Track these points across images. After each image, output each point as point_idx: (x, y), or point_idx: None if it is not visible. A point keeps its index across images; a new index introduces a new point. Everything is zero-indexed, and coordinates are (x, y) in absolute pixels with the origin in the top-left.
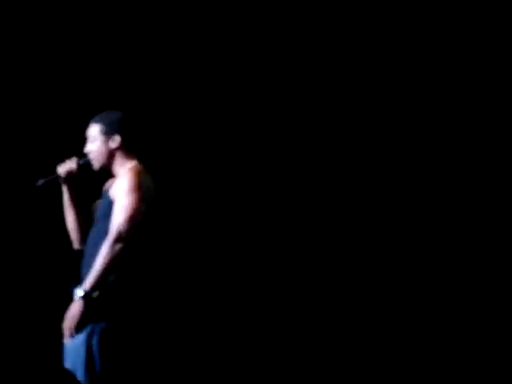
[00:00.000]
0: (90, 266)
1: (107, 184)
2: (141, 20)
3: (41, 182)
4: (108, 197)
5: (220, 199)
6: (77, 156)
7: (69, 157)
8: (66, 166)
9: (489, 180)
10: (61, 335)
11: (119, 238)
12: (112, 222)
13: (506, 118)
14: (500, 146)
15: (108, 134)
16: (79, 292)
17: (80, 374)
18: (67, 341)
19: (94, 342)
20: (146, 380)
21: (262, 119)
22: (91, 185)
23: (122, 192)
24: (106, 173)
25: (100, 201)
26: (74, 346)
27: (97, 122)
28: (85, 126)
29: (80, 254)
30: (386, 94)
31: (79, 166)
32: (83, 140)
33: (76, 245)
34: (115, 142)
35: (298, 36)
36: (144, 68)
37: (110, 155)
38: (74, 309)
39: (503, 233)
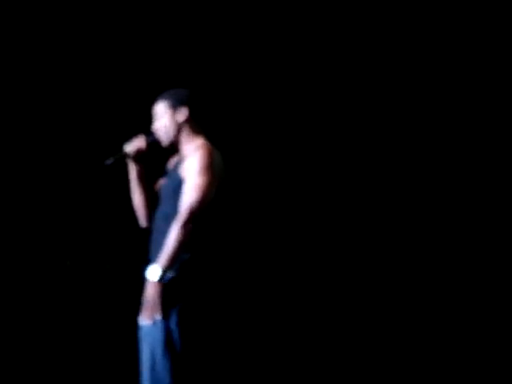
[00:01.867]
0: (158, 244)
1: (172, 161)
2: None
3: (110, 160)
4: (177, 174)
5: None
6: (144, 134)
7: (135, 135)
8: (135, 144)
9: (489, 180)
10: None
11: (190, 218)
12: (182, 201)
13: (506, 118)
14: (500, 146)
15: (175, 107)
16: (153, 272)
17: (159, 355)
18: (145, 322)
19: (172, 323)
20: (224, 357)
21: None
22: (155, 162)
23: (193, 171)
24: (169, 150)
25: (166, 178)
26: (151, 327)
27: (163, 98)
28: (149, 106)
29: (146, 232)
30: (385, 94)
31: (147, 143)
32: (148, 119)
33: (143, 223)
34: (183, 114)
35: (300, 37)
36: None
37: (178, 129)
38: (152, 290)
39: (503, 233)
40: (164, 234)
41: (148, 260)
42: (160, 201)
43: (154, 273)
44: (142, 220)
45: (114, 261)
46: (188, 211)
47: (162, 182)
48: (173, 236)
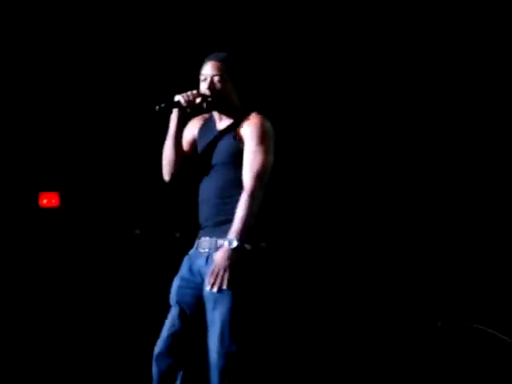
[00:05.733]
0: (217, 213)
1: (199, 124)
2: None
3: (160, 106)
4: (232, 140)
5: None
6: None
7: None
8: (189, 95)
9: (489, 180)
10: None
11: (260, 185)
12: (249, 168)
13: (506, 118)
14: (500, 146)
15: (229, 73)
16: (232, 243)
17: (228, 323)
18: (215, 290)
19: (242, 293)
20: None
21: None
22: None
23: (257, 137)
24: None
25: (211, 142)
26: (221, 295)
27: (217, 60)
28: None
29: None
30: (386, 94)
31: (201, 99)
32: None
33: (167, 177)
34: (234, 82)
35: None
36: None
37: (229, 94)
38: (227, 259)
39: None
40: (225, 200)
41: (201, 226)
42: (209, 166)
43: (230, 242)
44: (168, 174)
45: (184, 230)
46: (258, 179)
47: (205, 146)
48: (246, 205)
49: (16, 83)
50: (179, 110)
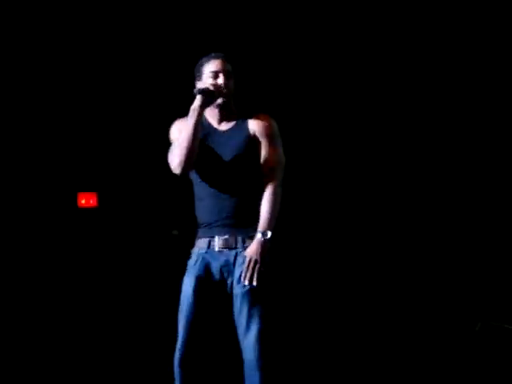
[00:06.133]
0: (237, 212)
1: (205, 123)
2: None
3: (200, 89)
4: (242, 136)
5: None
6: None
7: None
8: (215, 86)
9: (489, 180)
10: None
11: (280, 182)
12: (268, 166)
13: (506, 118)
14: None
15: (233, 72)
16: (266, 235)
17: (262, 324)
18: (248, 283)
19: (271, 290)
20: None
21: None
22: None
23: (273, 131)
24: None
25: (219, 140)
26: (261, 290)
27: (224, 59)
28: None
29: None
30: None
31: (226, 91)
32: None
33: (181, 169)
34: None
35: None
36: None
37: (232, 93)
38: (263, 252)
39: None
40: (244, 199)
41: (210, 226)
42: (221, 166)
43: (263, 235)
44: (186, 165)
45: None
46: (278, 173)
47: (215, 146)
48: (272, 199)
49: (57, 85)
50: (204, 100)
